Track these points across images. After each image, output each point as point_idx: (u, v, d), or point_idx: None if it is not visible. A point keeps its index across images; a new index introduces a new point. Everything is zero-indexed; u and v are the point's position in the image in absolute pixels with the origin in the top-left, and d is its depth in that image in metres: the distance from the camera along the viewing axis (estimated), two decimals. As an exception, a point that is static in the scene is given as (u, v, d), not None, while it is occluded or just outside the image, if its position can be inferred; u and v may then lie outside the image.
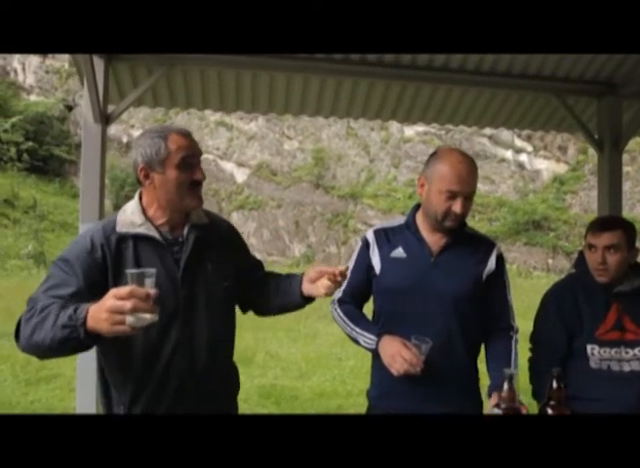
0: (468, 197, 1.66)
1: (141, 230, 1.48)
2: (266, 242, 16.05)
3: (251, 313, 1.80)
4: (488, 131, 14.32)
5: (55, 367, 5.57)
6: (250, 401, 4.64)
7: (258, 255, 1.88)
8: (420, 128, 16.15)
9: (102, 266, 1.44)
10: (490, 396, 1.78)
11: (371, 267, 1.77)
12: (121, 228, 1.49)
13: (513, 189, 16.76)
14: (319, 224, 17.62)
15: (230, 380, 1.66)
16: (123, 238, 1.48)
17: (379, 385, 1.78)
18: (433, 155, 1.74)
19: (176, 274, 1.48)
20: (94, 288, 1.39)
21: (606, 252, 1.97)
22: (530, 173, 16.85)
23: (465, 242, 1.76)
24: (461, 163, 1.66)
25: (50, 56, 21.07)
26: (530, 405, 1.58)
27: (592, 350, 1.97)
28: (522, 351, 2.21)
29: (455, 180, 1.63)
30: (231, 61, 3.20)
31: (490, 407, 1.76)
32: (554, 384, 1.44)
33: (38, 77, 21.37)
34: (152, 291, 1.17)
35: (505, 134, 15.98)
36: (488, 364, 1.83)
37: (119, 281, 1.43)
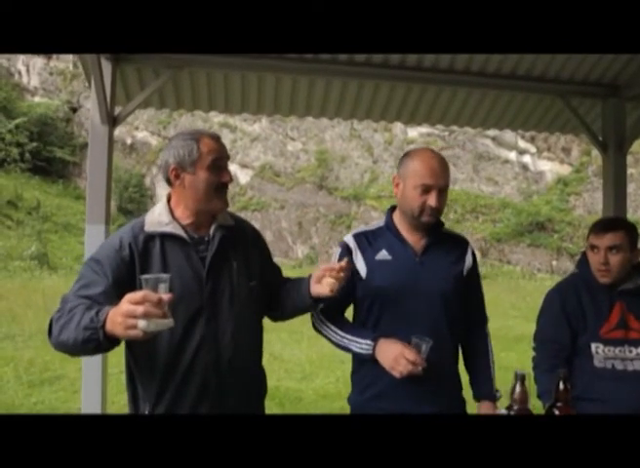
0: (442, 190, 1.69)
1: (168, 229, 1.53)
2: (269, 243, 15.89)
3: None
4: (491, 132, 14.31)
5: (58, 368, 5.59)
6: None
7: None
8: (424, 129, 16.15)
9: (130, 264, 1.48)
10: (478, 399, 1.81)
11: (356, 272, 1.74)
12: (149, 227, 1.53)
13: (517, 191, 16.73)
14: (322, 225, 17.63)
15: (257, 381, 1.67)
16: (151, 237, 1.52)
17: (367, 388, 1.75)
18: (405, 155, 1.79)
19: (201, 272, 1.51)
20: (122, 286, 1.43)
21: (608, 252, 1.97)
22: (533, 174, 16.82)
23: (443, 241, 1.80)
24: (433, 158, 1.71)
25: (54, 57, 21.16)
26: (534, 406, 1.58)
27: (596, 349, 1.97)
28: (527, 353, 2.21)
29: (427, 174, 1.67)
30: (237, 64, 3.22)
31: (485, 408, 1.77)
32: (561, 385, 1.44)
33: (42, 78, 21.45)
34: (166, 296, 1.19)
35: (509, 135, 15.96)
36: (469, 363, 1.87)
37: None
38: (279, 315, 1.76)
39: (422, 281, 1.71)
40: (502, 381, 1.80)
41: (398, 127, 16.85)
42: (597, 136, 3.79)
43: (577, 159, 16.30)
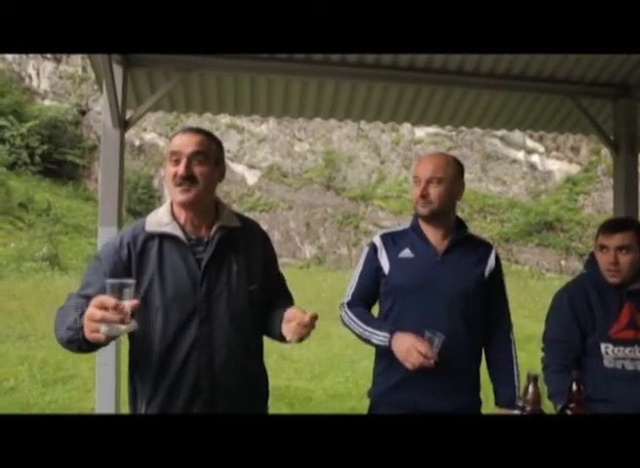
0: (429, 181, 1.79)
1: (167, 229, 1.53)
2: (277, 244, 16.09)
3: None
4: (499, 132, 14.24)
5: (71, 368, 5.66)
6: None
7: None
8: (431, 129, 16.12)
9: (127, 264, 1.50)
10: (500, 406, 1.83)
11: (380, 269, 1.85)
12: (149, 227, 1.55)
13: (525, 190, 16.65)
14: (330, 226, 17.64)
15: (254, 383, 1.65)
16: (150, 236, 1.53)
17: (387, 380, 1.81)
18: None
19: (196, 273, 1.50)
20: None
21: (618, 252, 1.97)
22: (542, 174, 16.74)
23: (466, 243, 1.87)
24: (427, 156, 1.88)
25: (64, 61, 21.37)
26: (545, 406, 1.59)
27: (606, 349, 1.96)
28: (537, 353, 2.21)
29: (417, 168, 1.83)
30: (247, 66, 3.24)
31: (502, 411, 1.78)
32: (574, 386, 1.44)
33: (52, 82, 21.65)
34: (128, 302, 1.22)
35: (517, 135, 15.90)
36: (493, 370, 1.88)
37: (142, 279, 1.49)
38: None
39: (442, 279, 1.77)
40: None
41: (405, 127, 16.83)
42: (608, 136, 3.77)
43: (585, 158, 16.20)
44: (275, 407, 4.70)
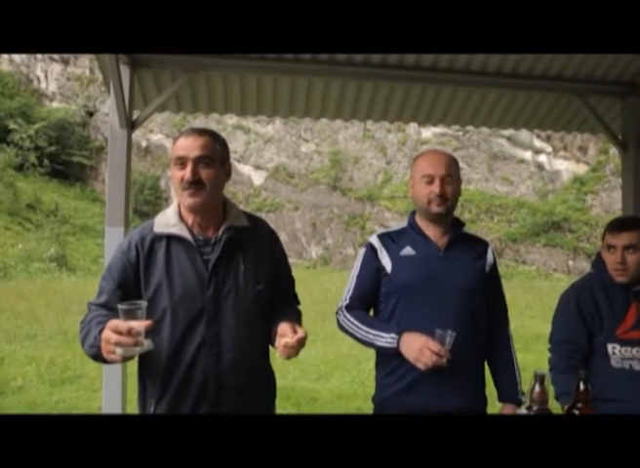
0: (444, 179, 1.76)
1: (175, 230, 1.54)
2: (284, 244, 16.06)
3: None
4: (506, 131, 14.19)
5: (78, 368, 5.69)
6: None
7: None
8: (438, 129, 16.08)
9: (135, 265, 1.52)
10: (503, 402, 1.82)
11: (381, 268, 1.80)
12: (157, 228, 1.56)
13: (532, 190, 16.57)
14: (336, 226, 17.63)
15: (261, 383, 1.65)
16: (158, 238, 1.55)
17: (394, 384, 1.77)
18: (415, 157, 1.91)
19: (204, 274, 1.51)
20: (127, 286, 1.49)
21: (625, 252, 1.96)
22: (549, 173, 16.64)
23: (464, 239, 1.87)
24: (434, 152, 1.86)
25: (71, 63, 21.53)
26: (552, 407, 1.58)
27: (613, 349, 1.96)
28: (544, 353, 2.20)
29: (428, 165, 1.78)
30: (253, 67, 3.24)
31: (508, 410, 1.77)
32: (581, 386, 1.43)
33: (60, 84, 21.82)
34: (140, 324, 1.28)
35: (524, 134, 15.81)
36: (494, 365, 1.87)
37: (149, 279, 1.51)
38: None
39: (447, 275, 1.75)
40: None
41: (412, 127, 16.81)
42: (616, 134, 3.74)
43: (593, 158, 16.09)
44: (281, 407, 4.69)
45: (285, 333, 1.44)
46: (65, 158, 20.20)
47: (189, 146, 1.50)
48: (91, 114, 21.50)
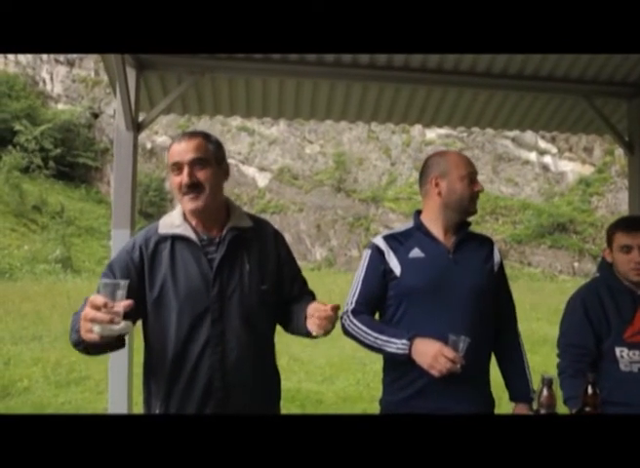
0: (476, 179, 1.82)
1: (179, 231, 1.55)
2: (288, 246, 16.10)
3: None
4: (511, 133, 14.15)
5: (84, 369, 5.71)
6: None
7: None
8: (442, 131, 16.05)
9: (139, 266, 1.52)
10: (515, 401, 1.80)
11: (389, 271, 1.76)
12: (162, 229, 1.57)
13: (537, 192, 16.51)
14: (340, 228, 17.63)
15: (266, 383, 1.65)
16: (163, 238, 1.55)
17: (403, 388, 1.74)
18: (435, 156, 1.86)
19: (208, 274, 1.51)
20: (130, 286, 1.46)
21: None
22: (554, 175, 16.59)
23: (471, 239, 1.84)
24: (458, 153, 1.88)
25: (77, 65, 21.64)
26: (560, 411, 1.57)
27: (621, 353, 1.95)
28: (550, 355, 2.19)
29: (469, 163, 1.80)
30: (258, 69, 3.25)
31: (521, 410, 1.76)
32: (589, 390, 1.43)
33: (65, 86, 21.93)
34: (118, 303, 1.24)
35: (529, 135, 15.78)
36: (506, 366, 1.85)
37: (154, 280, 1.51)
38: (284, 329, 1.73)
39: (457, 277, 1.73)
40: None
41: (416, 129, 16.78)
42: (623, 136, 3.72)
43: (599, 159, 16.02)
44: (286, 409, 4.68)
45: (317, 309, 1.43)
46: (71, 160, 20.30)
47: (183, 151, 1.51)
48: (96, 116, 21.60)
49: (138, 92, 3.14)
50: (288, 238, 1.76)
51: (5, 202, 16.37)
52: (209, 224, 1.58)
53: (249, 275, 1.56)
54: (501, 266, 1.87)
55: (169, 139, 20.36)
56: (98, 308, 1.21)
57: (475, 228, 1.92)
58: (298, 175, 19.03)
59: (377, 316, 1.85)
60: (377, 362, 6.23)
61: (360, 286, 1.80)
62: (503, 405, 1.84)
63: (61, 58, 21.50)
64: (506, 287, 1.90)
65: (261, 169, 19.47)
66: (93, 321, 1.21)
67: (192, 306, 1.50)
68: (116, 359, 2.91)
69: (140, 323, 1.57)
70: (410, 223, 1.86)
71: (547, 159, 16.69)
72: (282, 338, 1.75)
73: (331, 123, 4.26)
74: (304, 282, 1.77)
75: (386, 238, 1.82)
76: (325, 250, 17.54)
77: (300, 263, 1.78)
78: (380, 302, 1.81)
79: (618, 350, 1.95)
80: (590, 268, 14.00)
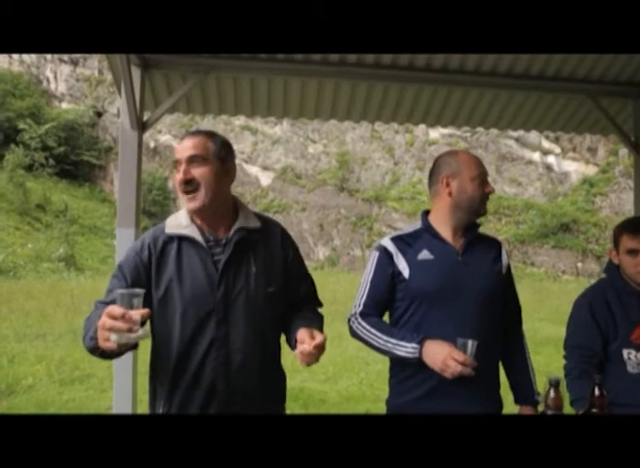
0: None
1: (186, 232, 1.55)
2: (291, 245, 16.09)
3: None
4: (514, 133, 14.10)
5: (87, 367, 5.73)
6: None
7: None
8: (446, 130, 16.03)
9: (147, 265, 1.52)
10: (520, 403, 1.80)
11: (397, 273, 1.74)
12: (169, 229, 1.57)
13: (541, 192, 16.48)
14: (343, 227, 17.63)
15: (271, 385, 1.64)
16: (170, 239, 1.55)
17: (410, 390, 1.73)
18: (443, 159, 1.82)
19: (214, 275, 1.51)
20: (138, 286, 1.47)
21: None
22: (558, 175, 16.55)
23: (480, 241, 1.82)
24: (471, 152, 1.87)
25: (80, 64, 21.70)
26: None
27: (629, 355, 1.94)
28: (553, 356, 2.18)
29: (480, 164, 1.79)
30: (263, 68, 3.25)
31: (525, 412, 1.76)
32: (596, 391, 1.42)
33: (69, 85, 21.99)
34: (135, 312, 1.25)
35: (533, 135, 15.73)
36: (510, 368, 1.85)
37: (160, 279, 1.51)
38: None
39: (466, 279, 1.71)
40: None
41: (420, 128, 16.76)
42: (629, 136, 3.71)
43: (603, 159, 15.97)
44: (289, 408, 4.67)
45: (303, 340, 1.42)
46: (74, 158, 20.38)
47: (182, 148, 1.53)
48: (99, 115, 21.66)
49: (142, 90, 3.13)
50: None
51: (9, 200, 16.43)
52: (215, 225, 1.57)
53: (255, 277, 1.55)
54: (509, 268, 1.85)
55: (172, 138, 20.40)
56: (115, 318, 1.22)
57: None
58: (301, 174, 19.03)
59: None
60: (379, 362, 6.23)
61: (368, 288, 1.78)
62: (508, 406, 1.84)
63: (65, 57, 21.55)
64: (513, 289, 1.89)
65: (264, 168, 19.48)
66: (111, 330, 1.22)
67: (197, 308, 1.49)
68: (120, 357, 2.91)
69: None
70: (417, 224, 1.84)
71: (551, 159, 16.65)
72: (280, 341, 1.74)
73: (334, 122, 4.25)
74: (312, 282, 1.75)
75: (394, 239, 1.80)
76: (328, 249, 17.55)
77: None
78: (389, 304, 1.79)
79: (625, 352, 1.95)
80: (594, 269, 13.97)
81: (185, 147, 1.52)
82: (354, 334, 1.77)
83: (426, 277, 1.71)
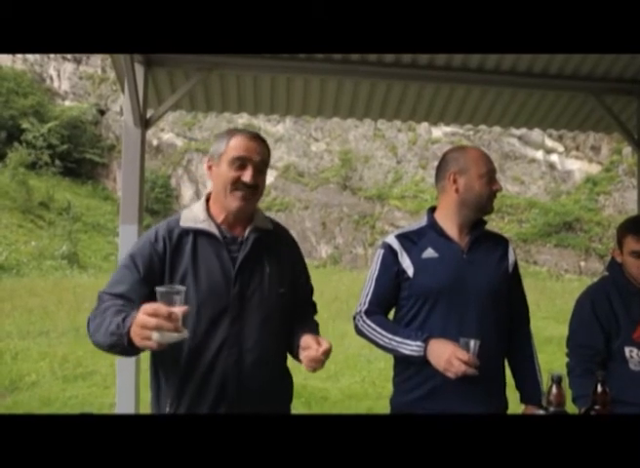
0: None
1: (203, 226, 1.54)
2: (293, 243, 16.09)
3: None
4: (517, 131, 14.05)
5: (90, 364, 5.75)
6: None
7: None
8: (448, 128, 16.00)
9: (162, 257, 1.50)
10: (525, 403, 1.79)
11: (402, 272, 1.74)
12: (184, 223, 1.55)
13: (544, 190, 16.43)
14: (346, 226, 17.62)
15: (280, 386, 1.63)
16: (185, 232, 1.54)
17: (413, 389, 1.73)
18: (451, 154, 1.80)
19: (230, 271, 1.50)
20: (152, 278, 1.46)
21: None
22: (561, 173, 16.49)
23: (486, 238, 1.80)
24: (478, 149, 1.82)
25: (83, 62, 21.72)
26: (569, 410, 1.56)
27: (631, 352, 1.95)
28: (556, 354, 2.18)
29: (489, 160, 1.76)
30: (266, 66, 3.25)
31: (530, 411, 1.76)
32: (599, 388, 1.42)
33: (72, 83, 22.01)
34: (179, 309, 1.21)
35: (536, 134, 15.68)
36: (517, 368, 1.84)
37: (175, 273, 1.49)
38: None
39: (471, 278, 1.70)
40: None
41: (422, 126, 16.73)
42: (633, 134, 3.70)
43: (606, 158, 15.91)
44: (292, 405, 4.69)
45: (309, 346, 1.42)
46: (77, 156, 20.40)
47: (252, 149, 1.52)
48: (102, 113, 21.68)
49: (145, 88, 3.14)
50: (293, 235, 1.78)
51: (12, 198, 16.46)
52: (235, 223, 1.57)
53: (269, 277, 1.56)
54: (516, 267, 1.83)
55: (175, 137, 20.41)
56: (159, 316, 1.18)
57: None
58: (303, 172, 19.02)
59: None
60: (382, 359, 6.24)
61: (373, 286, 1.78)
62: (513, 405, 1.84)
63: (69, 55, 21.56)
64: (520, 287, 1.87)
65: (267, 166, 19.47)
66: (156, 328, 1.18)
67: (212, 303, 1.48)
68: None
69: None
70: (423, 221, 1.83)
71: (554, 157, 16.59)
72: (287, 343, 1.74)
73: (337, 120, 4.25)
74: (312, 289, 1.77)
75: (399, 237, 1.79)
76: (330, 247, 17.54)
77: (306, 261, 1.79)
78: (394, 302, 1.79)
79: (627, 350, 1.95)
80: (597, 267, 13.93)
81: (257, 150, 1.53)
82: (359, 332, 1.78)
83: (431, 275, 1.71)
